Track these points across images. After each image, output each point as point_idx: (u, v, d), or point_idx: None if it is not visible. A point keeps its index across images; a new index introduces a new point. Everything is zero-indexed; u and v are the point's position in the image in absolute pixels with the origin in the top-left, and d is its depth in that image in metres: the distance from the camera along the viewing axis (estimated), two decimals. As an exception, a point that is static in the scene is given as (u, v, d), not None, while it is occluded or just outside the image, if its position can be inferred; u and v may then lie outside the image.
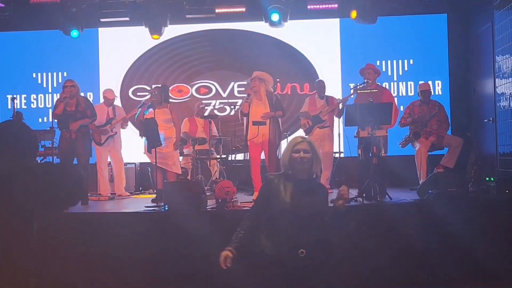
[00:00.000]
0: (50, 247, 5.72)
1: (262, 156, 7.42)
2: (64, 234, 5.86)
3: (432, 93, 8.45)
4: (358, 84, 7.60)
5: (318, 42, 9.95)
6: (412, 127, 7.93)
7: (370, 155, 6.61)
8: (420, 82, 8.67)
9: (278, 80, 9.49)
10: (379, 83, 7.77)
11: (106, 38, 10.25)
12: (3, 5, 8.99)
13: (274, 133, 7.20)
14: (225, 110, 10.02)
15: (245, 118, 7.43)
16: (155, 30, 9.31)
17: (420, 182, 7.34)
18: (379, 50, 9.75)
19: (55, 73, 10.24)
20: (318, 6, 9.17)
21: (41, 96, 10.25)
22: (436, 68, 9.66)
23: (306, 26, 9.92)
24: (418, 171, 7.75)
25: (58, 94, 9.63)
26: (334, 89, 9.33)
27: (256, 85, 7.34)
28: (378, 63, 9.68)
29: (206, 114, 9.38)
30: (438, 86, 9.61)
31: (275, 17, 8.89)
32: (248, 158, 7.68)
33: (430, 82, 8.99)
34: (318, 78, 9.48)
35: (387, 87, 9.69)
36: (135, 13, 9.27)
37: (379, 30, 9.48)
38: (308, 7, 9.22)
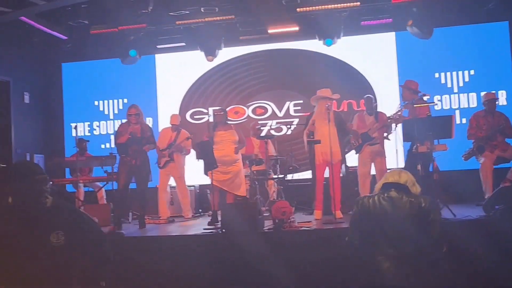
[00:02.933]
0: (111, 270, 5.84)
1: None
2: (123, 257, 5.96)
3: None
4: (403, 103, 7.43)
5: (374, 56, 9.80)
6: (476, 140, 7.63)
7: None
8: (484, 93, 8.36)
9: (334, 97, 9.40)
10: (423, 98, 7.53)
11: (163, 64, 10.50)
12: (66, 37, 9.37)
13: (341, 152, 7.15)
14: (281, 129, 9.99)
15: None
16: (210, 53, 9.49)
17: (486, 198, 7.01)
18: (438, 61, 9.49)
19: (115, 100, 10.55)
20: (372, 22, 9.09)
21: (103, 123, 10.57)
22: (499, 77, 9.28)
23: (361, 41, 9.80)
24: (484, 186, 7.42)
25: (120, 120, 9.96)
26: (391, 104, 9.11)
27: (330, 104, 7.32)
28: (437, 75, 9.44)
29: (262, 134, 9.38)
30: (502, 96, 9.22)
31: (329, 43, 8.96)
32: (305, 177, 7.62)
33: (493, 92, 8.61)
34: (374, 94, 9.32)
35: (447, 99, 9.43)
36: (190, 38, 9.50)
37: (437, 41, 9.22)
38: (362, 23, 9.14)
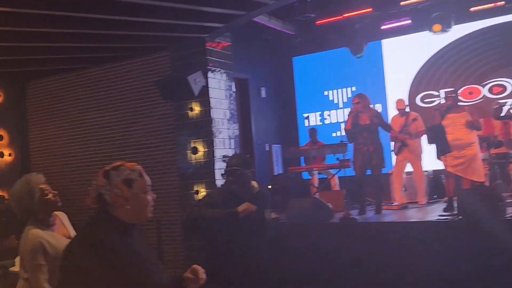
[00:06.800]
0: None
1: None
2: (358, 243, 6.11)
3: None
4: None
5: None
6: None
7: None
8: None
9: None
10: None
11: (389, 49, 10.36)
12: (293, 33, 9.86)
13: None
14: (524, 108, 9.10)
15: None
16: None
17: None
18: None
19: (344, 89, 10.74)
20: None
21: (333, 112, 10.87)
22: None
23: None
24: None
25: (349, 108, 10.13)
26: None
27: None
28: None
29: (502, 114, 8.67)
30: None
31: None
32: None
33: None
34: None
35: None
36: (418, 19, 9.17)
37: None
38: None
